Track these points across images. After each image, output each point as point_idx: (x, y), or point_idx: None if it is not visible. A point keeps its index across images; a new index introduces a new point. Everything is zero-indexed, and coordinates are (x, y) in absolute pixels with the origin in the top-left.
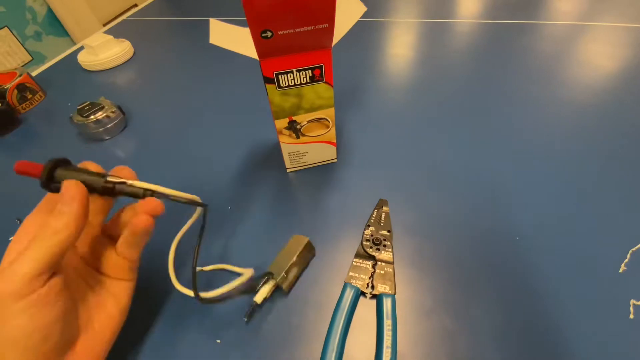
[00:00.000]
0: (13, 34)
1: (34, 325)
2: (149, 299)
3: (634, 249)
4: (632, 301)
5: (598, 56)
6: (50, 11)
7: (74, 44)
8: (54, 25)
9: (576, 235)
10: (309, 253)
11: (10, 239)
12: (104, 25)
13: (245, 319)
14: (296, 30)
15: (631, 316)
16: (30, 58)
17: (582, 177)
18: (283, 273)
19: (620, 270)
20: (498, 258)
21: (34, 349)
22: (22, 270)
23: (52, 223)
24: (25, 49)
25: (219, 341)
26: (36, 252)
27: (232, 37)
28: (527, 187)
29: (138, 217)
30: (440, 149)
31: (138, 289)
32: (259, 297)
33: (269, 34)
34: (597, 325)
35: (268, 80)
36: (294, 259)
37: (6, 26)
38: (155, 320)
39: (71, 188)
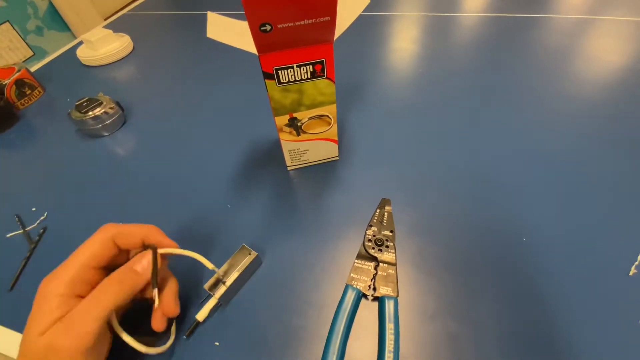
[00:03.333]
0: (14, 28)
1: None
2: None
3: None
4: None
5: (607, 51)
6: (51, 5)
7: (75, 38)
8: (56, 19)
9: (585, 236)
10: (254, 266)
11: (7, 235)
12: (105, 19)
13: (185, 337)
14: (296, 24)
15: None
16: (31, 53)
17: (591, 176)
18: (226, 288)
19: (631, 273)
20: (504, 260)
21: None
22: (88, 329)
23: (116, 287)
24: (26, 43)
25: (217, 343)
26: (100, 312)
27: (230, 30)
28: (534, 186)
29: (156, 321)
30: (445, 147)
31: None
32: (200, 315)
33: (268, 27)
34: (605, 329)
35: (268, 75)
36: (237, 274)
37: (7, 21)
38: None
39: (148, 264)
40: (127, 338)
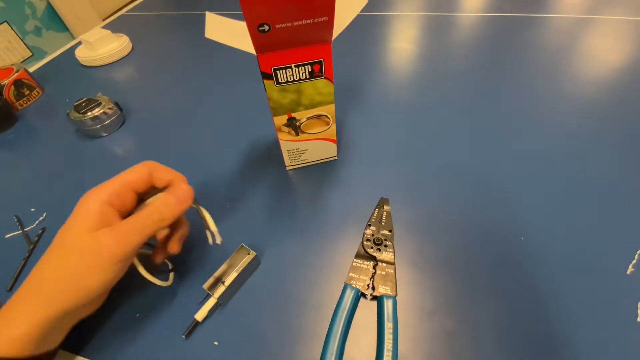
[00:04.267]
0: (13, 29)
1: (113, 279)
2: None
3: None
4: None
5: (605, 50)
6: (49, 6)
7: (74, 39)
8: (54, 20)
9: (583, 235)
10: (253, 265)
11: (6, 236)
12: (104, 20)
13: (184, 336)
14: (294, 24)
15: (638, 319)
16: (30, 54)
17: (589, 175)
18: (225, 288)
19: (628, 272)
20: (502, 258)
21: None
22: (132, 240)
23: (160, 214)
24: (25, 44)
25: (216, 343)
26: (145, 230)
27: (228, 31)
28: (532, 185)
29: (157, 255)
30: (444, 146)
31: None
32: (199, 315)
33: (266, 27)
34: (602, 328)
35: (266, 75)
36: (236, 274)
37: (6, 21)
38: (157, 319)
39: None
40: (139, 267)
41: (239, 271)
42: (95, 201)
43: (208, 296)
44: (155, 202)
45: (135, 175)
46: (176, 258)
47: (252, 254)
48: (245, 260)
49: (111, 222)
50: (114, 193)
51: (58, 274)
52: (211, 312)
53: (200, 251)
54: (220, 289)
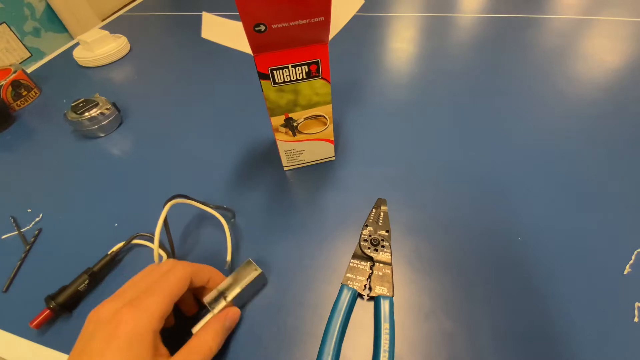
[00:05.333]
0: (11, 30)
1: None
2: None
3: (639, 250)
4: (637, 304)
5: (602, 51)
6: (48, 7)
7: (73, 40)
8: (53, 21)
9: (580, 235)
10: (258, 283)
11: (3, 237)
12: (103, 21)
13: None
14: (291, 24)
15: (636, 319)
16: (29, 54)
17: (586, 176)
18: (226, 304)
19: (625, 272)
20: (499, 259)
21: None
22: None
23: (210, 349)
24: (23, 45)
25: None
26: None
27: (225, 31)
28: (529, 185)
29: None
30: (441, 147)
31: None
32: (196, 329)
33: (263, 27)
34: (600, 328)
35: (263, 76)
36: (240, 290)
37: (4, 22)
38: None
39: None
40: None
41: (243, 287)
42: (149, 331)
43: (208, 311)
44: (204, 335)
45: (180, 288)
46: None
47: (258, 270)
48: (250, 276)
49: (159, 352)
50: (164, 315)
51: None
52: None
53: (199, 251)
54: (221, 304)
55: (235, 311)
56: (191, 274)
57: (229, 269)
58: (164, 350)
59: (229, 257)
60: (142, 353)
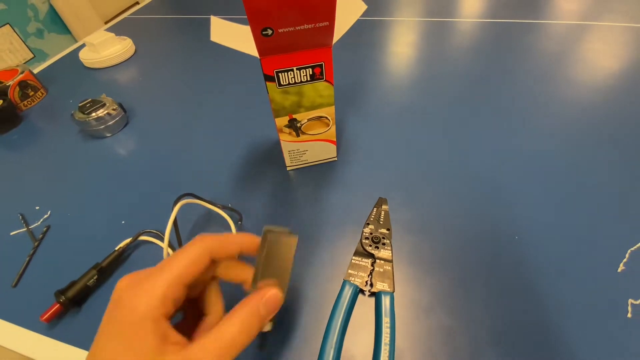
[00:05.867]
0: (15, 31)
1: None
2: None
3: (633, 249)
4: (631, 300)
5: (602, 56)
6: (52, 8)
7: (76, 41)
8: (56, 22)
9: (575, 234)
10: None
11: (12, 233)
12: (106, 23)
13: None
14: (297, 28)
15: (629, 315)
16: (32, 55)
17: (582, 176)
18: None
19: (619, 270)
20: (497, 256)
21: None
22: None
23: (248, 333)
24: (27, 46)
25: None
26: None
27: (233, 34)
28: (527, 186)
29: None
30: (441, 148)
31: None
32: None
33: (270, 31)
34: (595, 324)
35: (268, 78)
36: (290, 267)
37: (8, 23)
38: None
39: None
40: None
41: (292, 262)
42: (147, 318)
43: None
44: (229, 326)
45: (193, 266)
46: None
47: (295, 237)
48: (291, 246)
49: (169, 340)
50: (170, 298)
51: None
52: None
53: None
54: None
55: (273, 294)
56: (209, 248)
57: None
58: (176, 337)
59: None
60: (138, 342)
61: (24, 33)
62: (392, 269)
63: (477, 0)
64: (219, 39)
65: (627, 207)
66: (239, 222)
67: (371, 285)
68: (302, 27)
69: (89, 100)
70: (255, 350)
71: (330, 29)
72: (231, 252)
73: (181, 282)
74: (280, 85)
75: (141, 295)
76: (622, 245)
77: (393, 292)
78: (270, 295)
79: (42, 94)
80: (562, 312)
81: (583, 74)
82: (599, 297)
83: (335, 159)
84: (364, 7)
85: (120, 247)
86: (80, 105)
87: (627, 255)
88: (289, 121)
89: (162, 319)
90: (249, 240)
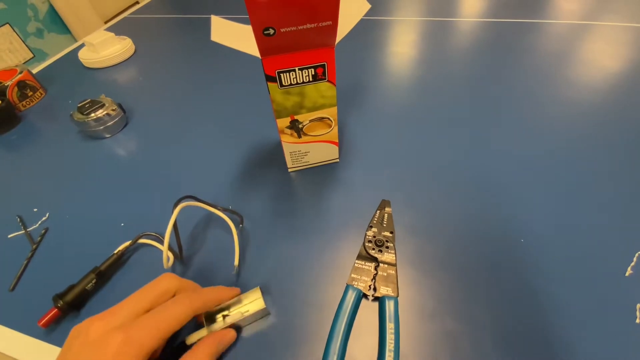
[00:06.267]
0: (15, 31)
1: None
2: None
3: None
4: (639, 305)
5: (603, 56)
6: (51, 8)
7: (76, 41)
8: (56, 22)
9: (582, 237)
10: (261, 314)
11: (9, 236)
12: (106, 22)
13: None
14: (299, 28)
15: (637, 320)
16: (31, 55)
17: (588, 178)
18: (224, 326)
19: (627, 274)
20: (502, 260)
21: None
22: (148, 344)
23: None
24: (26, 46)
25: None
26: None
27: (233, 34)
28: (532, 188)
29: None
30: (444, 149)
31: None
32: (189, 340)
33: (271, 31)
34: (602, 329)
35: (270, 78)
36: (240, 317)
37: (7, 23)
38: None
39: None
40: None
41: (245, 315)
42: None
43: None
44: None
45: (178, 326)
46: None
47: (262, 305)
48: (254, 308)
49: None
50: (154, 350)
51: None
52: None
53: (202, 252)
54: (219, 325)
55: (232, 335)
56: (195, 311)
57: (236, 274)
58: None
59: (236, 262)
60: None
61: (24, 33)
62: (396, 273)
63: (478, 0)
64: (220, 39)
65: (634, 210)
66: (240, 225)
67: (375, 289)
68: (304, 26)
69: (88, 100)
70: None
71: (333, 28)
72: (209, 308)
73: (166, 338)
74: (281, 85)
75: (131, 346)
76: (630, 249)
77: (397, 296)
78: (230, 336)
79: (41, 94)
80: (568, 317)
81: (587, 74)
82: (606, 302)
83: (338, 160)
84: (368, 6)
85: (119, 251)
86: (79, 105)
87: (634, 259)
88: (290, 122)
89: None
90: (227, 296)
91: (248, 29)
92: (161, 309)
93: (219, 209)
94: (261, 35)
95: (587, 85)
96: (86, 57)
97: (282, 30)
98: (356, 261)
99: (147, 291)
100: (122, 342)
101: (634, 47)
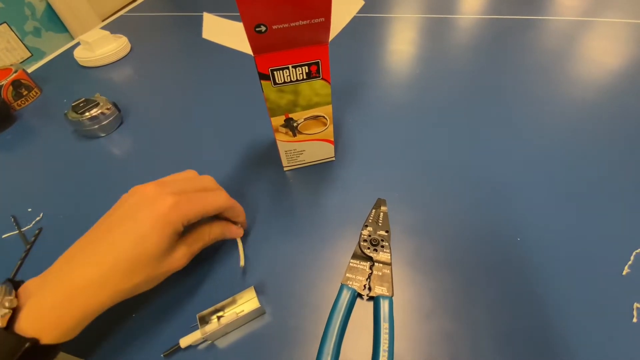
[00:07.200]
0: (12, 30)
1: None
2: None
3: (638, 251)
4: (636, 304)
5: (602, 53)
6: (49, 7)
7: (73, 40)
8: (53, 21)
9: (579, 236)
10: (254, 314)
11: (3, 236)
12: (103, 21)
13: (163, 355)
14: (291, 25)
15: (634, 320)
16: (29, 54)
17: (585, 177)
18: (218, 327)
19: (624, 273)
20: (499, 259)
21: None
22: (191, 215)
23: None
24: (24, 45)
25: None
26: (204, 208)
27: (226, 31)
28: (529, 186)
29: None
30: (441, 148)
31: None
32: (183, 343)
33: (263, 28)
34: (599, 328)
35: (263, 76)
36: (235, 317)
37: (5, 22)
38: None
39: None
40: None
41: (239, 315)
42: (179, 228)
43: (196, 327)
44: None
45: (213, 211)
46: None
47: (257, 305)
48: (249, 308)
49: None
50: (191, 222)
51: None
52: (197, 342)
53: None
54: (213, 326)
55: (239, 233)
56: (228, 208)
57: (242, 271)
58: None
59: (242, 262)
60: (173, 235)
61: (21, 32)
62: (391, 272)
63: None
64: (212, 37)
65: (631, 209)
66: (236, 223)
67: (369, 289)
68: (296, 23)
69: (83, 99)
70: (251, 354)
71: (326, 25)
72: (231, 216)
73: (203, 216)
74: (275, 83)
75: (180, 209)
76: (627, 248)
77: (392, 296)
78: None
79: (36, 93)
80: (566, 316)
81: (587, 71)
82: (603, 301)
83: (333, 159)
84: (361, 2)
85: None
86: (73, 104)
87: (632, 258)
88: (285, 120)
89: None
90: (244, 220)
91: (240, 26)
92: (206, 194)
93: None
94: (253, 33)
95: (588, 83)
96: (82, 55)
97: (274, 27)
98: (351, 260)
99: (193, 176)
100: (173, 204)
101: (635, 44)
